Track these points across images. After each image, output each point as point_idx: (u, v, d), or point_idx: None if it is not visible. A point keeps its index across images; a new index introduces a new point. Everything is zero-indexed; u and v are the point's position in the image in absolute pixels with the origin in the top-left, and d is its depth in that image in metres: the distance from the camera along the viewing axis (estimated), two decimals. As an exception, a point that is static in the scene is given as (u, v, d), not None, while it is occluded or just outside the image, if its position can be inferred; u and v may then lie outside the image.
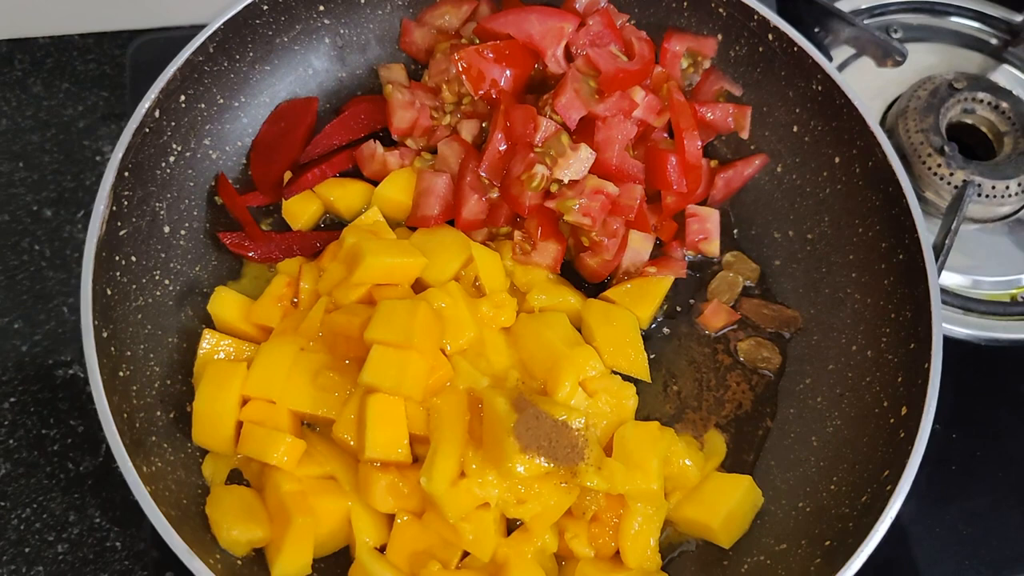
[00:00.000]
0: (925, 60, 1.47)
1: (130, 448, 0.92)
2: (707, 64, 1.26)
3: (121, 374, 1.00)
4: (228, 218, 1.19)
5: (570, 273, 1.20)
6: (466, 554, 1.00)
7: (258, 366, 1.03)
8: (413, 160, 1.22)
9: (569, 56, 1.19)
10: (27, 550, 1.10)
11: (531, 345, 1.08)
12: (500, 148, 1.15)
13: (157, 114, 1.09)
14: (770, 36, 1.20)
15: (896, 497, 0.95)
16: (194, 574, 0.88)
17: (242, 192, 1.20)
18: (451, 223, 1.18)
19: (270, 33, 1.21)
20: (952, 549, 1.16)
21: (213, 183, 1.19)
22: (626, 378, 1.10)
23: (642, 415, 1.11)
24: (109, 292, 1.02)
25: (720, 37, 1.25)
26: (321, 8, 1.24)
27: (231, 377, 1.02)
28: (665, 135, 1.21)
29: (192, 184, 1.16)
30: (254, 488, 1.04)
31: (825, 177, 1.19)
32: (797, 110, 1.21)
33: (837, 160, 1.17)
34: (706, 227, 1.21)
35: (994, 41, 1.52)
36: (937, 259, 1.12)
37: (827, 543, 0.99)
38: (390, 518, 1.01)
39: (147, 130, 1.08)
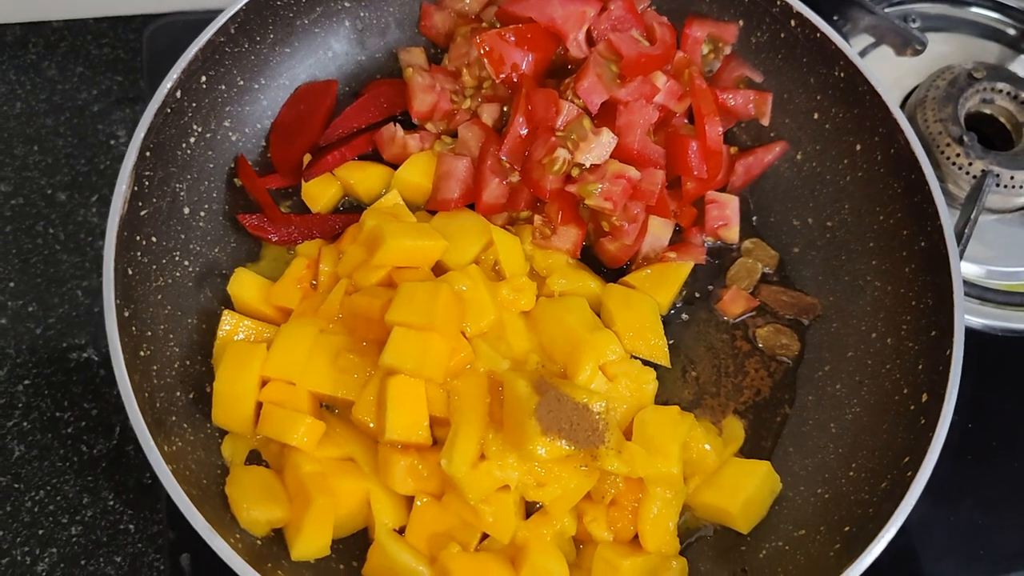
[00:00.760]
0: (943, 50, 1.46)
1: (152, 427, 0.92)
2: (728, 50, 1.26)
3: (142, 353, 0.99)
4: (247, 200, 1.19)
5: (589, 258, 1.20)
6: (485, 536, 1.00)
7: (278, 347, 1.03)
8: (433, 143, 1.21)
9: (590, 40, 1.19)
10: (41, 532, 1.10)
11: (551, 329, 1.08)
12: (521, 132, 1.14)
13: (178, 95, 1.09)
14: (792, 22, 1.19)
15: (917, 483, 0.95)
16: (215, 552, 0.88)
17: (261, 174, 1.20)
18: (471, 207, 1.17)
19: (291, 15, 1.21)
20: (967, 538, 1.16)
21: (233, 165, 1.19)
22: (645, 363, 1.09)
23: (661, 400, 1.11)
24: (130, 272, 1.02)
25: (741, 23, 1.24)
26: (342, -10, 1.24)
27: (251, 358, 1.02)
28: (686, 121, 1.21)
29: (212, 166, 1.16)
30: (273, 469, 1.04)
31: (846, 164, 1.19)
32: (818, 97, 1.21)
33: (858, 147, 1.17)
34: (726, 213, 1.21)
35: (1012, 31, 1.51)
36: (957, 248, 1.12)
37: (846, 529, 0.99)
38: (409, 500, 1.01)
39: (168, 111, 1.08)
